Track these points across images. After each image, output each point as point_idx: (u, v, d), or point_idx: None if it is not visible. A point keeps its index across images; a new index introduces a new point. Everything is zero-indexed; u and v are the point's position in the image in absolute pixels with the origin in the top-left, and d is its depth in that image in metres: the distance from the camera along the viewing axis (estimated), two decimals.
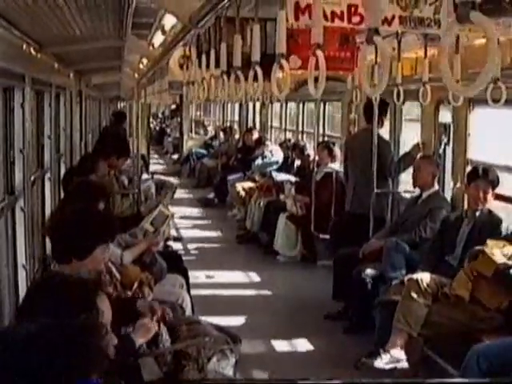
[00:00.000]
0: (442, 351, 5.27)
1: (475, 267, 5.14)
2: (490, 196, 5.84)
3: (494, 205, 5.94)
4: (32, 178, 5.78)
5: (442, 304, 5.41)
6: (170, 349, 4.08)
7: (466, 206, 6.27)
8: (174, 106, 27.13)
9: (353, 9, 3.58)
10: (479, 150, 6.95)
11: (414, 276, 5.59)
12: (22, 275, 5.29)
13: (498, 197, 6.03)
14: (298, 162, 12.02)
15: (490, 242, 5.18)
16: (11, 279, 5.14)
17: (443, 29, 3.70)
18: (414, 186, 7.19)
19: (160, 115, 35.26)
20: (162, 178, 13.63)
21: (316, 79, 3.05)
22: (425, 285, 5.45)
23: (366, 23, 2.32)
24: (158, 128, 32.06)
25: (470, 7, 1.82)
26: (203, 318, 5.04)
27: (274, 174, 11.97)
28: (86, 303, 2.64)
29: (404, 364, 5.54)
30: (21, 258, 5.28)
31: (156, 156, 25.62)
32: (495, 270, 4.99)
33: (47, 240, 6.22)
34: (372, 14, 2.26)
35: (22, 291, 5.14)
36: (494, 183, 5.84)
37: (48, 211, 6.90)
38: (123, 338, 3.62)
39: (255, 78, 3.85)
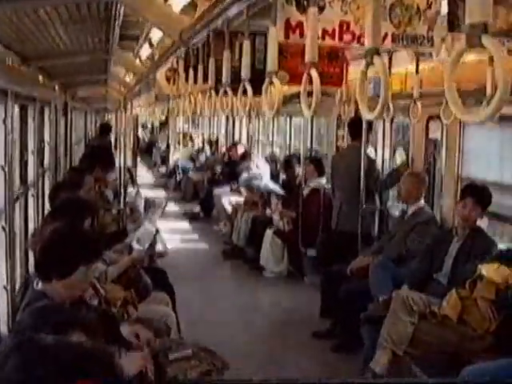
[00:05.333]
0: (431, 370, 5.18)
1: (479, 294, 5.01)
2: (477, 215, 5.73)
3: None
4: (15, 195, 5.66)
5: (430, 323, 5.32)
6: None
7: (456, 223, 6.19)
8: (163, 118, 26.96)
9: (345, 26, 3.51)
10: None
11: (401, 293, 5.49)
12: (2, 297, 5.15)
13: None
14: (283, 176, 11.95)
15: (483, 266, 5.05)
16: None
17: (436, 46, 3.63)
18: (399, 200, 7.18)
19: (149, 126, 35.03)
20: (151, 196, 13.48)
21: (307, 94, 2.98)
22: (411, 303, 5.34)
23: (366, 43, 2.24)
24: (146, 139, 31.80)
25: (481, 30, 1.73)
26: (188, 336, 4.98)
27: (262, 183, 11.84)
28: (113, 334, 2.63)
29: None
30: (1, 279, 5.15)
31: (144, 168, 25.34)
32: (496, 291, 4.89)
33: (30, 259, 6.12)
34: (372, 33, 2.18)
35: (3, 312, 5.03)
36: (484, 202, 5.72)
37: (31, 229, 6.76)
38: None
39: (244, 94, 3.80)
